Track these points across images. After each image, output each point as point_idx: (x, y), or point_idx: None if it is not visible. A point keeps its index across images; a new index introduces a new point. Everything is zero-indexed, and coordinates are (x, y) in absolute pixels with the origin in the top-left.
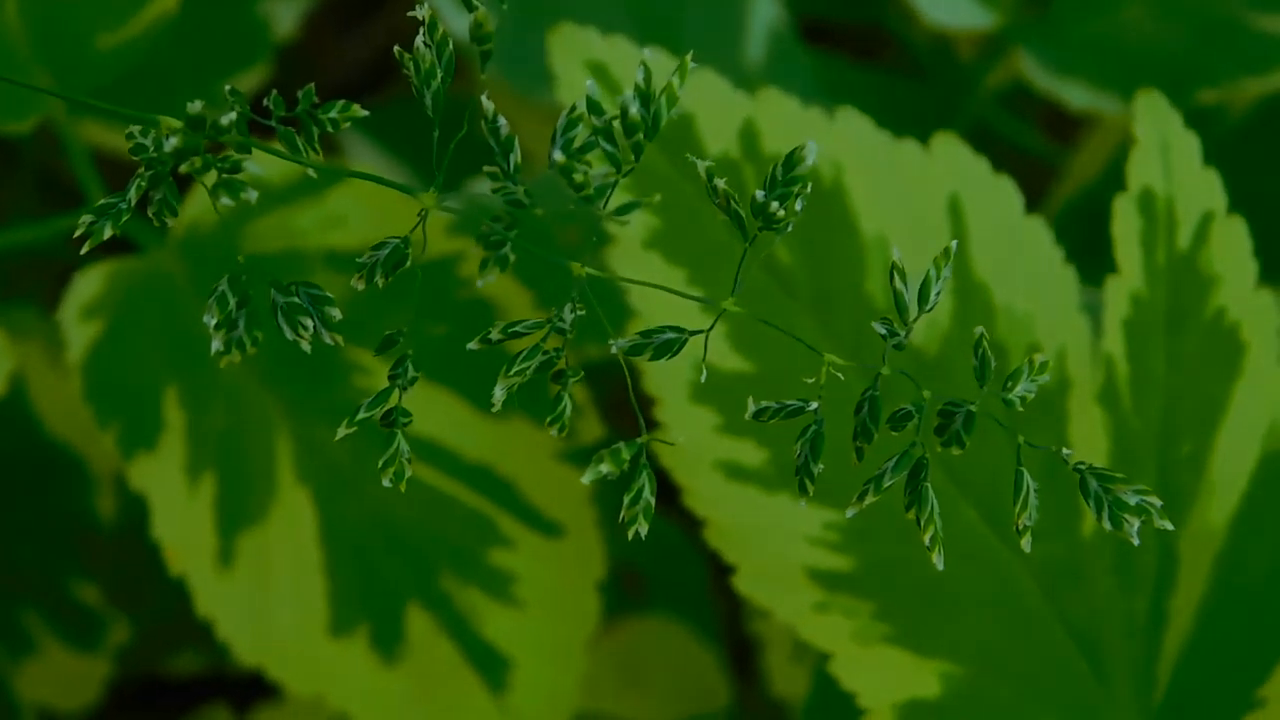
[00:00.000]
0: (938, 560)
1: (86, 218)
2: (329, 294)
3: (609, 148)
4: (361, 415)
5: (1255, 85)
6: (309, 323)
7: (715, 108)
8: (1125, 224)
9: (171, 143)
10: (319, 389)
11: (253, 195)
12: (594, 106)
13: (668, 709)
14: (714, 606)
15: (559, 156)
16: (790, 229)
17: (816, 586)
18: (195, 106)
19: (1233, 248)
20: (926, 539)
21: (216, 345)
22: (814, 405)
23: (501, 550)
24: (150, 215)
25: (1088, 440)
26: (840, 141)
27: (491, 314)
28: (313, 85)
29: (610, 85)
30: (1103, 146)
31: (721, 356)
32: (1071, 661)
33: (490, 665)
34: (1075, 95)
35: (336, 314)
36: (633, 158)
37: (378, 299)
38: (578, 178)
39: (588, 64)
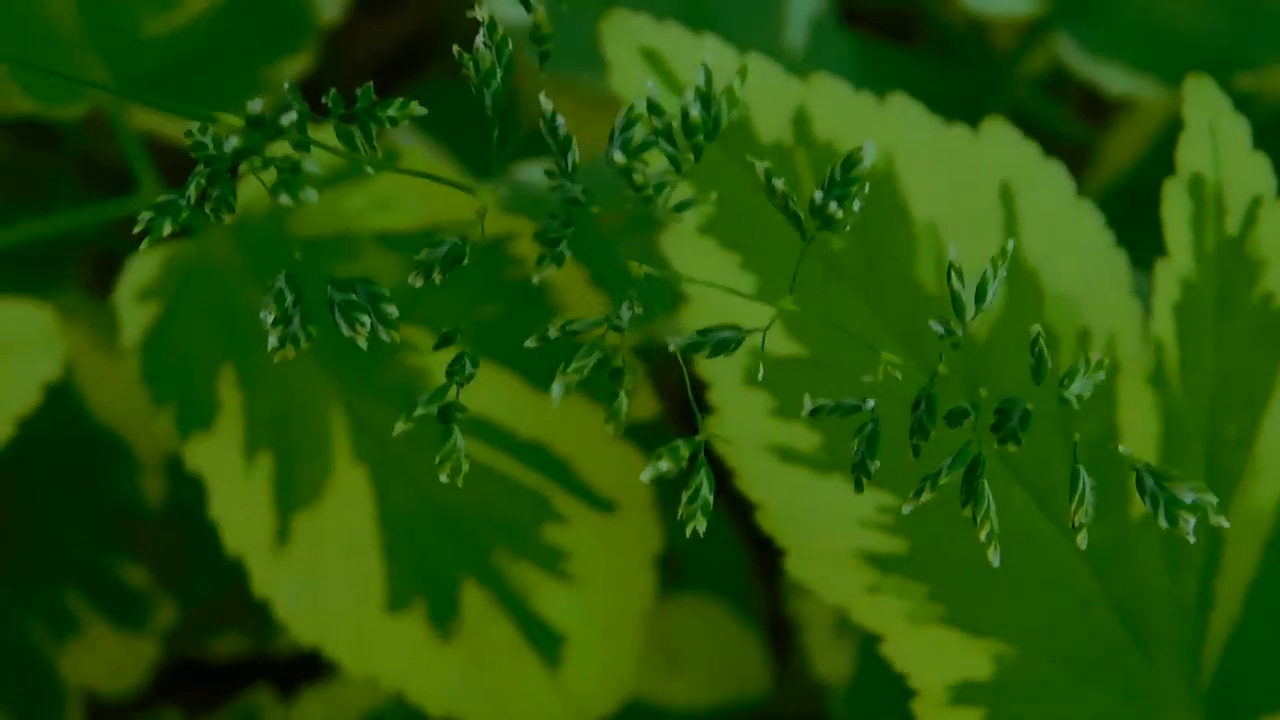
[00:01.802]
0: (994, 557)
1: (146, 213)
2: (385, 290)
3: (669, 149)
4: (419, 411)
5: None
6: (366, 319)
7: (767, 94)
8: (1175, 208)
9: (232, 143)
10: (373, 367)
11: (313, 195)
12: (654, 108)
13: (707, 691)
14: (753, 588)
15: (619, 157)
16: (847, 228)
17: (870, 568)
18: (255, 106)
19: None
20: (982, 535)
21: (273, 342)
22: (870, 404)
23: (556, 526)
24: (208, 211)
25: (1137, 423)
26: (891, 127)
27: (544, 293)
28: (371, 84)
29: (664, 73)
30: (1139, 130)
31: (775, 341)
32: (1120, 642)
33: (545, 641)
34: (1115, 80)
35: (393, 310)
36: (692, 158)
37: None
38: (638, 179)
39: (641, 51)
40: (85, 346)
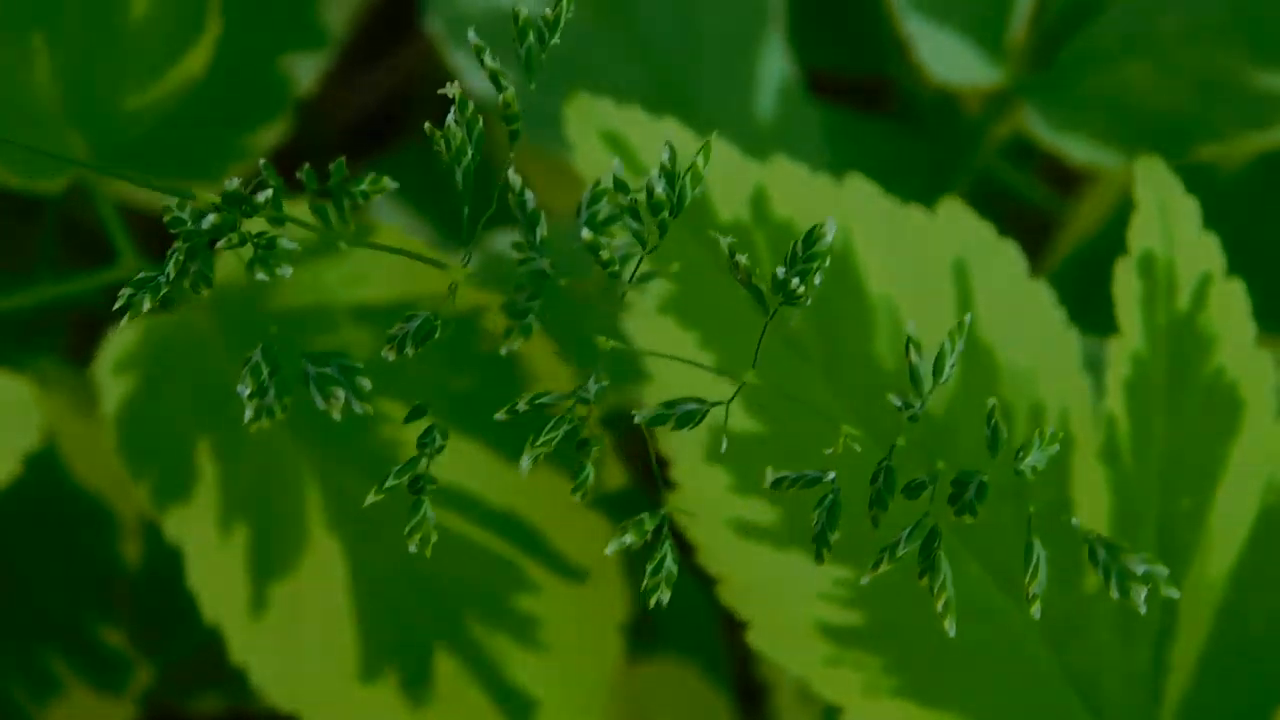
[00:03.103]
0: (950, 627)
1: (126, 290)
2: (358, 363)
3: (635, 225)
4: (390, 483)
5: (1255, 140)
6: (340, 392)
7: (726, 174)
8: (1126, 286)
9: (210, 220)
10: (348, 439)
11: (287, 271)
12: (620, 185)
13: None
14: (724, 649)
15: (586, 234)
16: (809, 303)
17: (828, 641)
18: (232, 183)
19: (1231, 308)
20: (939, 605)
21: (249, 413)
22: (831, 475)
23: (527, 595)
24: (187, 287)
25: (1090, 496)
26: (848, 207)
27: (515, 365)
28: (343, 159)
29: (625, 155)
30: (1104, 198)
31: (734, 418)
32: (1075, 712)
33: (516, 708)
34: (1078, 150)
35: (366, 383)
36: (657, 234)
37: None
38: (604, 254)
39: (603, 134)
40: (66, 412)
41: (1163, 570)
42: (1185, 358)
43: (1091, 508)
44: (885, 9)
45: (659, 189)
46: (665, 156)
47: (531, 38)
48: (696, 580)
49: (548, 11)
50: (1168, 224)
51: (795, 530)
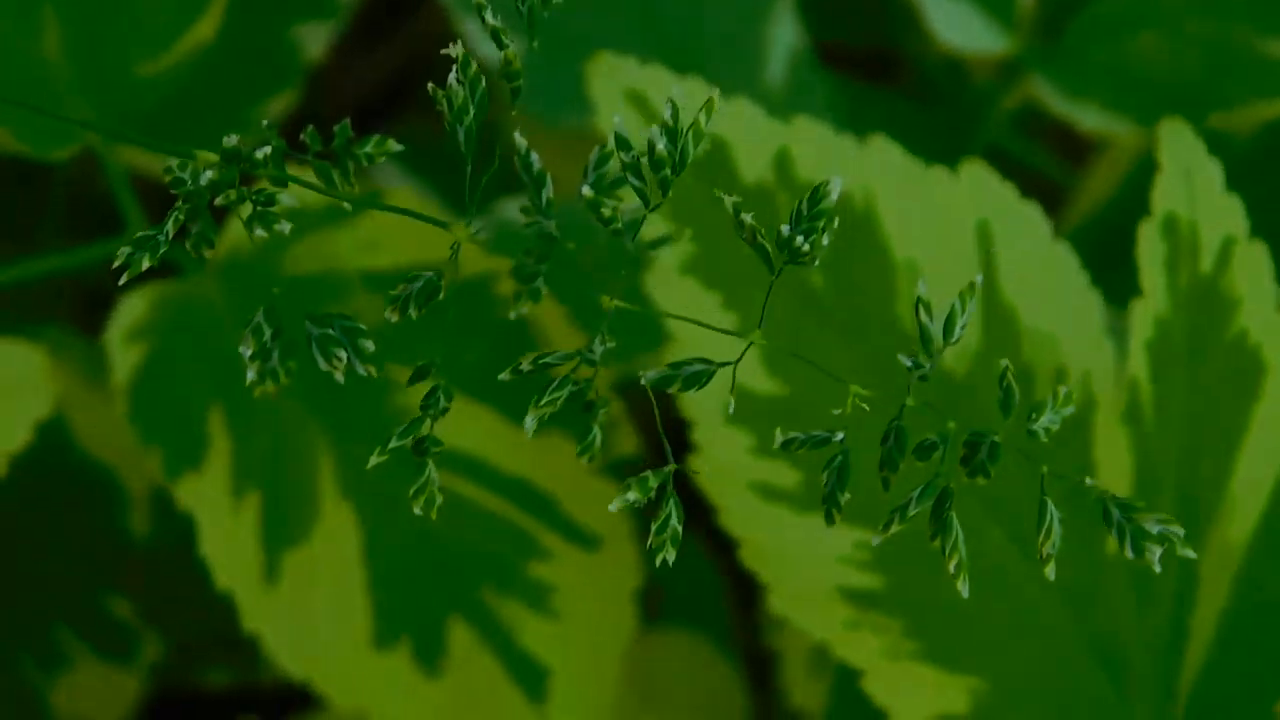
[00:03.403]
0: (963, 588)
1: (125, 249)
2: (362, 325)
3: (637, 183)
4: (394, 444)
5: (1264, 109)
6: (343, 354)
7: (750, 136)
8: (1150, 249)
9: (208, 176)
10: (359, 407)
11: (286, 228)
12: (622, 142)
13: None
14: (732, 621)
15: (588, 191)
16: (816, 263)
17: (848, 605)
18: (231, 140)
19: (1254, 271)
20: (951, 567)
21: (251, 375)
22: (840, 436)
23: (540, 562)
24: (188, 248)
25: (1112, 460)
26: (872, 169)
27: (527, 331)
28: (348, 120)
29: (648, 114)
30: (1114, 167)
31: (756, 380)
32: (1094, 676)
33: (530, 676)
34: (1088, 118)
35: (370, 345)
36: (660, 193)
37: (416, 319)
38: (605, 212)
39: (627, 93)
40: (74, 382)
41: (1178, 530)
42: (1208, 321)
43: (1114, 470)
44: None
45: (660, 146)
46: (668, 113)
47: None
48: (705, 552)
49: None
50: (1191, 187)
51: (816, 493)
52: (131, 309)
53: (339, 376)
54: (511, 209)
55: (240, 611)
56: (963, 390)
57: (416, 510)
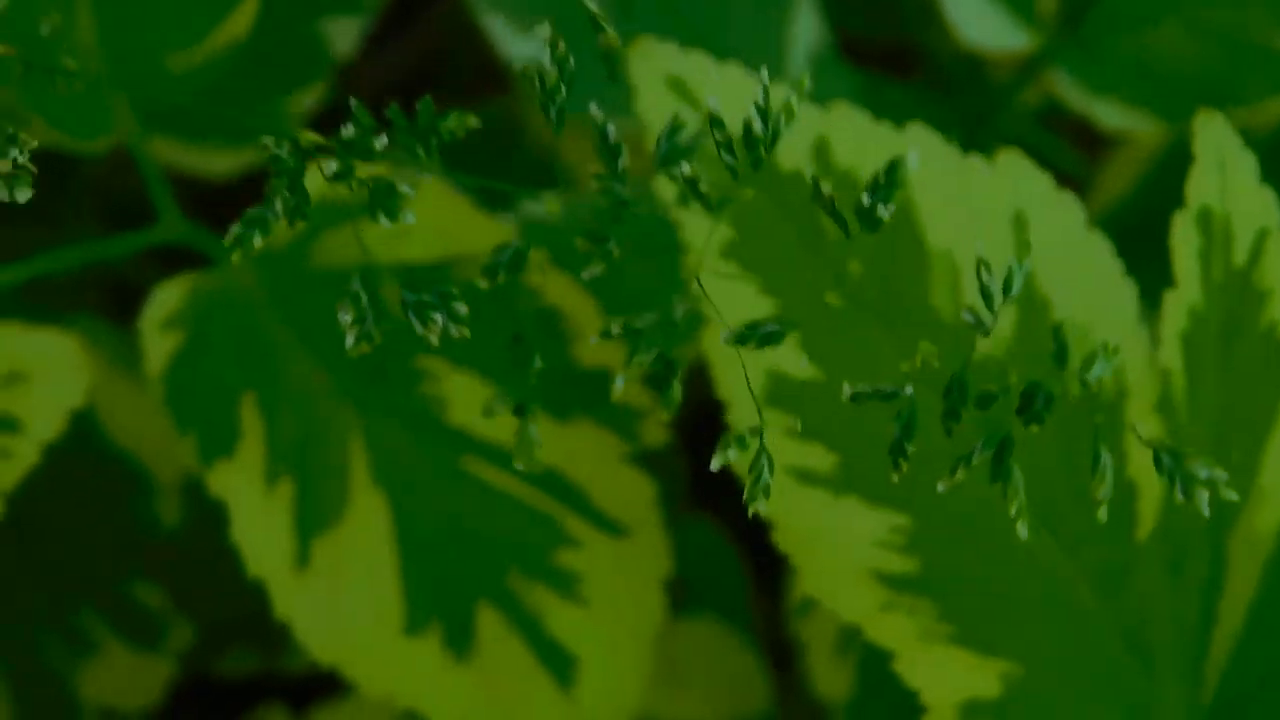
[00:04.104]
0: (1022, 530)
1: (236, 228)
2: (455, 290)
3: (729, 159)
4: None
5: None
6: (439, 317)
7: (789, 120)
8: (1184, 241)
9: (332, 168)
10: (391, 395)
11: (410, 218)
12: (716, 121)
13: (710, 709)
14: (754, 609)
15: (686, 169)
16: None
17: (882, 587)
18: (348, 130)
19: None
20: (1012, 511)
21: (350, 340)
22: (908, 389)
23: (569, 550)
24: (284, 217)
25: (1145, 449)
26: (909, 152)
27: (558, 322)
28: (429, 96)
29: (689, 99)
30: (1132, 162)
31: (794, 364)
32: (1124, 661)
33: (558, 662)
34: (1108, 114)
35: (462, 308)
36: (752, 168)
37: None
38: (702, 187)
39: (667, 78)
40: (105, 372)
41: (1222, 474)
42: (1241, 312)
43: (1146, 459)
44: None
45: (756, 126)
46: (760, 94)
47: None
48: (728, 541)
49: None
50: (1225, 179)
51: (852, 476)
52: (166, 298)
53: (434, 340)
54: (537, 207)
55: (271, 598)
56: (998, 376)
57: (517, 465)
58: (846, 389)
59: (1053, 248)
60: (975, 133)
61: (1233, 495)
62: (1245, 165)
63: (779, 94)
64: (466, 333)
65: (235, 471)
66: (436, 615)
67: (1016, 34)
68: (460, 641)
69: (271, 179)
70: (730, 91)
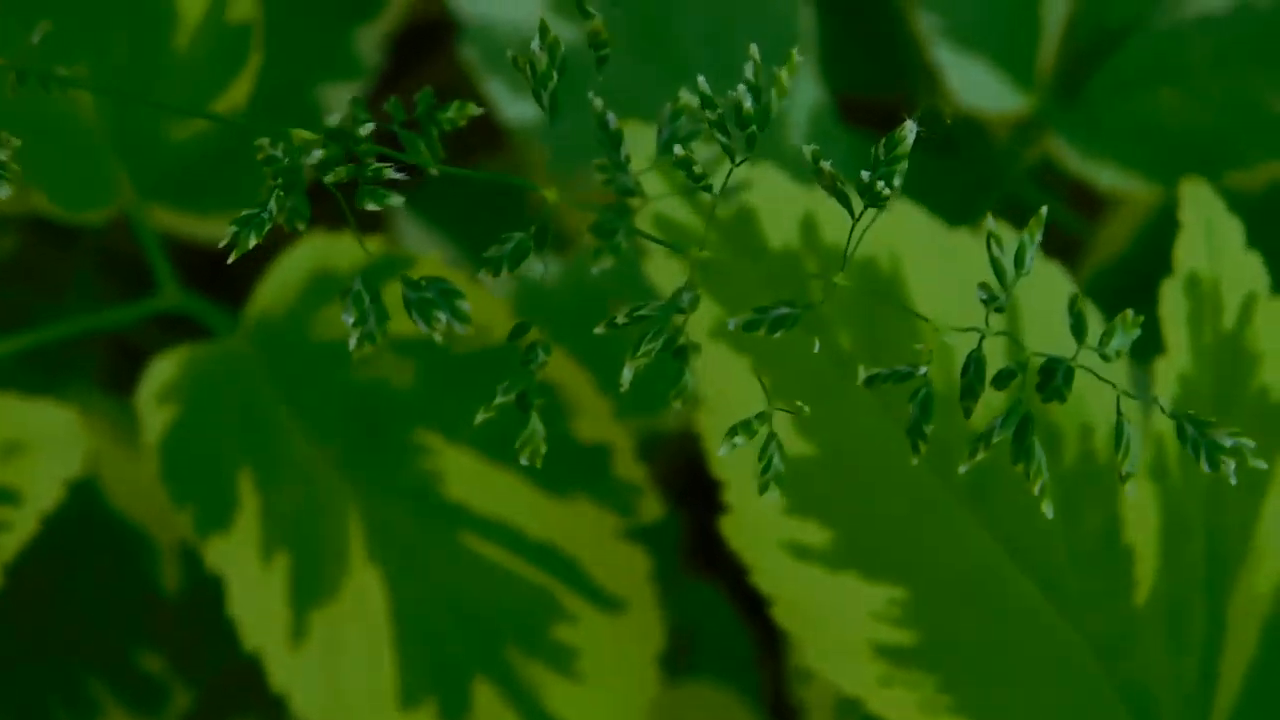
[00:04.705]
0: (1047, 509)
1: (231, 228)
2: (458, 288)
3: (723, 139)
4: (498, 400)
5: (1278, 168)
6: (442, 315)
7: (776, 201)
8: (1173, 306)
9: (317, 155)
10: (388, 470)
11: (398, 201)
12: (707, 101)
13: None
14: (759, 672)
15: (678, 150)
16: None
17: (881, 660)
18: (333, 119)
19: (1275, 327)
20: (1036, 490)
21: (353, 342)
22: (923, 369)
23: (565, 625)
24: (283, 222)
25: (1139, 513)
26: (897, 231)
27: (556, 397)
28: (429, 88)
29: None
30: (1129, 221)
31: (787, 440)
32: None
33: None
34: (1105, 176)
35: (466, 305)
36: (745, 148)
37: (444, 383)
38: (696, 169)
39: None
40: (105, 439)
41: (1249, 441)
42: (1231, 376)
43: (1141, 524)
44: (914, 36)
45: (747, 104)
46: (749, 72)
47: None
48: (731, 602)
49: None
50: (1212, 244)
51: (849, 551)
52: (162, 370)
53: (438, 338)
54: (535, 267)
55: (268, 671)
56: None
57: (523, 461)
58: (862, 372)
59: (1042, 317)
60: (976, 191)
61: (1261, 464)
62: (1232, 230)
63: (762, 175)
64: (470, 329)
65: (232, 544)
66: (433, 689)
67: (1014, 97)
68: (456, 715)
69: (267, 179)
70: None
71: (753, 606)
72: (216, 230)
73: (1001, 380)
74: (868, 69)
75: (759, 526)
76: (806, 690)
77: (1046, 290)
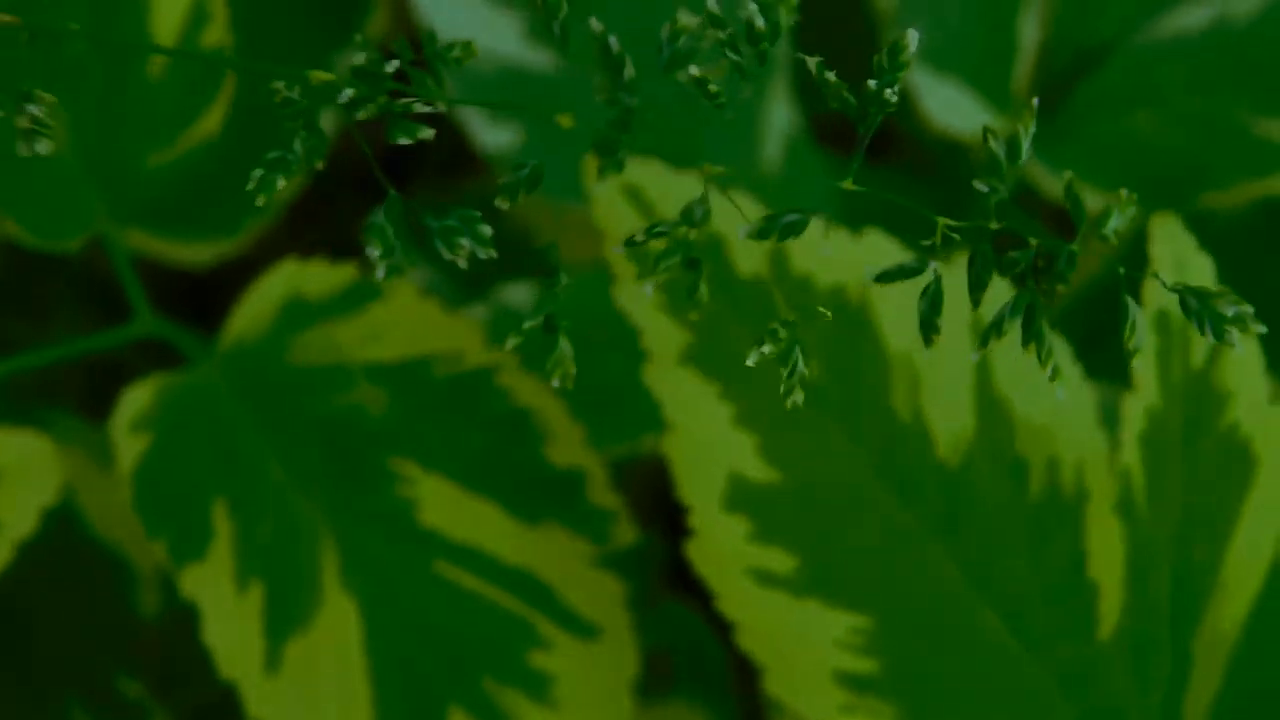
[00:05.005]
0: (1059, 392)
1: (257, 172)
2: (478, 214)
3: (734, 57)
4: (528, 324)
5: (1256, 187)
6: (465, 242)
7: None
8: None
9: (348, 94)
10: (362, 498)
11: (430, 134)
12: (717, 20)
13: None
14: (735, 696)
15: (694, 70)
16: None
17: (843, 689)
18: (359, 58)
19: (1245, 364)
20: (1048, 371)
21: (380, 271)
22: (932, 265)
23: (540, 652)
24: (303, 158)
25: (1105, 548)
26: (866, 261)
27: (529, 423)
28: (434, 30)
29: (645, 207)
30: (1107, 244)
31: (753, 468)
32: None
33: None
34: (1083, 198)
35: (488, 230)
36: (757, 62)
37: (418, 410)
38: (711, 89)
39: (623, 187)
40: (84, 463)
41: (1249, 307)
42: (1200, 413)
43: (1106, 559)
44: None
45: (759, 22)
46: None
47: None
48: (709, 626)
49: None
50: (1182, 280)
51: (813, 579)
52: (135, 399)
53: (462, 263)
54: (519, 293)
55: (244, 699)
56: (958, 479)
57: (553, 383)
58: (869, 271)
59: (1011, 349)
60: (953, 214)
61: (1260, 327)
62: (1201, 265)
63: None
64: (494, 254)
65: (206, 574)
66: (408, 716)
67: (990, 119)
68: None
69: (285, 123)
70: (685, 201)
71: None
72: (197, 253)
73: (1006, 268)
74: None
75: (724, 552)
76: (781, 716)
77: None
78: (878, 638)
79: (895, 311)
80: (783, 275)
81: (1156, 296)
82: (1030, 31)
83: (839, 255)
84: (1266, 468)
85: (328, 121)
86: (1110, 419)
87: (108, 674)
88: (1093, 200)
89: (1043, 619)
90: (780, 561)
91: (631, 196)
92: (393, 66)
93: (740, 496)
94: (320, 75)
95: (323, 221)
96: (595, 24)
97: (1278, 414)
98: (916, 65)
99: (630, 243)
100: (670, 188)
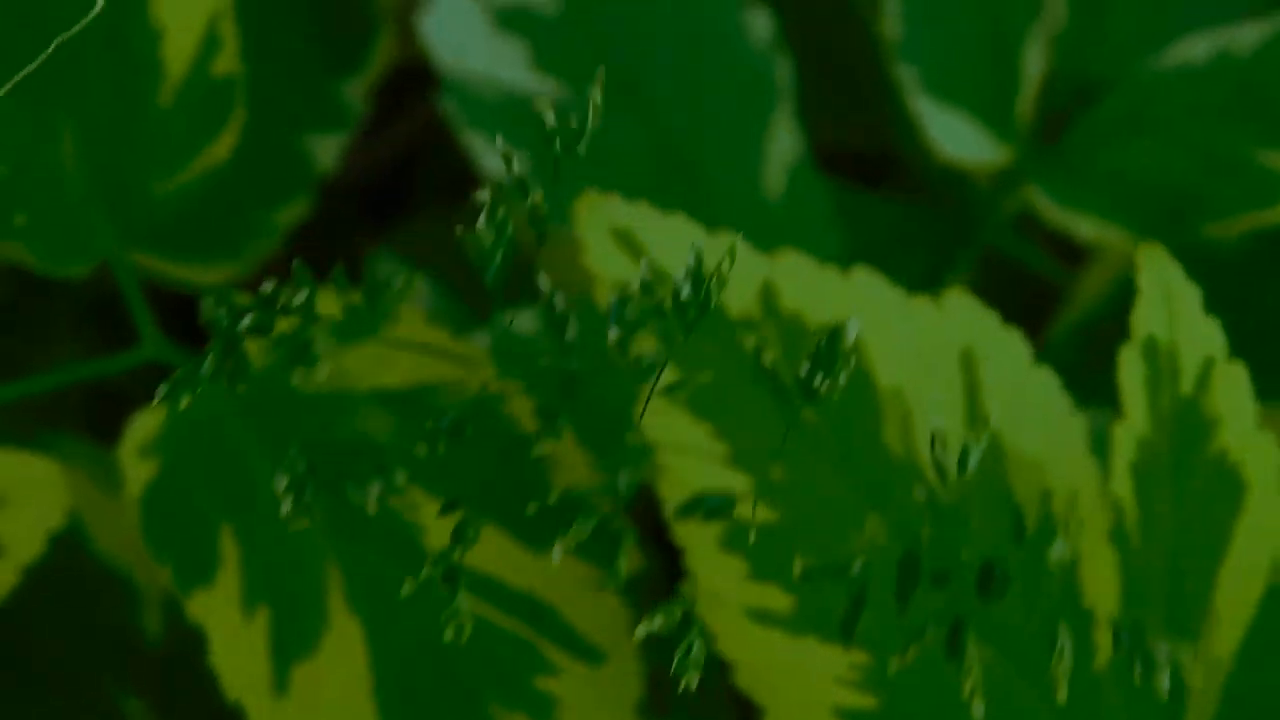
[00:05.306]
0: (978, 709)
1: (164, 388)
2: (392, 461)
3: (661, 323)
4: (425, 574)
5: (1257, 218)
6: (375, 489)
7: (736, 269)
8: (1130, 372)
9: (246, 321)
10: (369, 522)
11: (323, 371)
12: (647, 287)
13: None
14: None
15: (614, 334)
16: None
17: None
18: (266, 287)
19: (1233, 391)
20: (967, 690)
21: (285, 508)
22: (858, 566)
23: (545, 676)
24: (225, 380)
25: (1099, 577)
26: (855, 299)
27: (534, 449)
28: (382, 248)
29: (635, 252)
30: (1108, 270)
31: (748, 508)
32: None
33: None
34: (1084, 226)
35: (401, 479)
36: (682, 335)
37: (424, 436)
38: (644, 363)
39: (613, 231)
40: (90, 485)
41: (1185, 653)
42: (1189, 441)
43: (1101, 589)
44: (894, 86)
45: (685, 292)
46: (691, 260)
47: (558, 145)
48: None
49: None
50: (1171, 309)
51: (810, 617)
52: (144, 424)
53: (371, 508)
54: (525, 319)
55: None
56: (950, 513)
57: (446, 636)
58: (798, 565)
59: (1002, 384)
60: (955, 241)
61: (1195, 676)
62: (1190, 295)
63: (723, 245)
64: (405, 499)
65: (213, 599)
66: None
67: (994, 148)
68: None
69: (211, 339)
70: (674, 244)
71: None
72: (206, 275)
73: (938, 580)
74: (846, 120)
75: (722, 593)
76: None
77: (1008, 359)
78: (875, 673)
79: (886, 348)
80: (773, 314)
81: (1145, 324)
82: (1035, 62)
83: (830, 293)
84: (1256, 493)
85: (340, 142)
86: (1102, 444)
87: (112, 694)
88: (1094, 229)
89: (1041, 647)
90: (777, 600)
91: (622, 240)
92: (301, 298)
93: (736, 536)
94: (243, 299)
95: (329, 245)
96: (543, 280)
97: (1266, 439)
98: (921, 94)
99: (618, 312)
100: (660, 230)
